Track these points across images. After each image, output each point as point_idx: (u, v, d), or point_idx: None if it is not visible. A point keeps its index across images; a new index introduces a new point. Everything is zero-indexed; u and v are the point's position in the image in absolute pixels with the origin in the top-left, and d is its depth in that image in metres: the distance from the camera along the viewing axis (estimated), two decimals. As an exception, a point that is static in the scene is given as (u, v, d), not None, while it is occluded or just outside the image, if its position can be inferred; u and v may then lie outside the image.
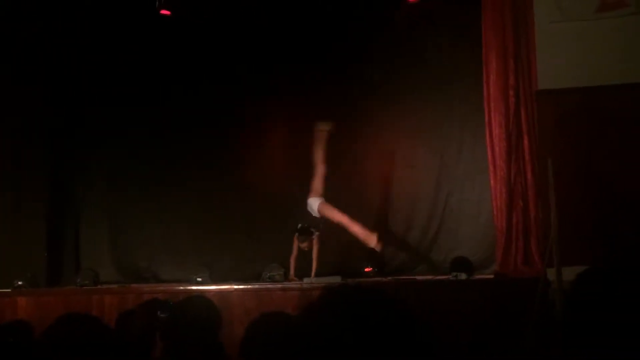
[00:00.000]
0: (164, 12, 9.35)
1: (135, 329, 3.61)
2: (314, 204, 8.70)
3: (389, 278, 8.43)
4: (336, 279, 8.22)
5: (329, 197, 8.91)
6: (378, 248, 8.35)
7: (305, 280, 8.30)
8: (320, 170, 8.82)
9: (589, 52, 7.61)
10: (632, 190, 7.24)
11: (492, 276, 7.96)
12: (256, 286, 8.18)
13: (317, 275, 8.52)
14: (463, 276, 7.73)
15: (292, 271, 8.73)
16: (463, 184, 9.42)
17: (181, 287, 8.34)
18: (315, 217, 8.77)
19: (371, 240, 8.35)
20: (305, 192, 9.49)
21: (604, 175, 7.32)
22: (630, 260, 6.45)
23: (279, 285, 8.14)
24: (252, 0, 9.57)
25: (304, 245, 8.68)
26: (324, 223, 8.69)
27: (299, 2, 9.58)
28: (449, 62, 9.44)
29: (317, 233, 8.71)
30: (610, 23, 7.62)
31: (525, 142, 8.00)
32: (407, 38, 9.60)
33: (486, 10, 8.26)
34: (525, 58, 8.02)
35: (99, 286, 8.81)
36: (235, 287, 8.07)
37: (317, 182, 8.79)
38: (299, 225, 8.76)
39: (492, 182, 8.17)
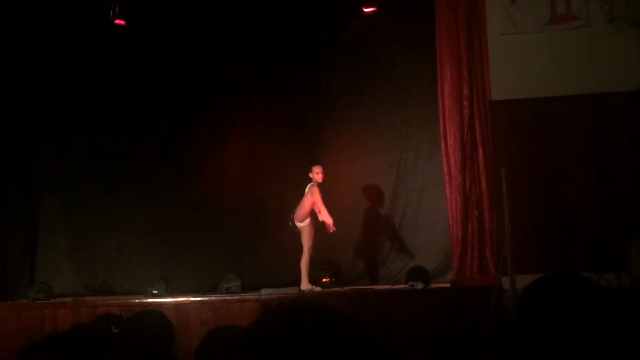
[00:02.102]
0: (118, 21, 9.25)
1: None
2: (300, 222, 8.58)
3: (347, 288, 8.45)
4: (293, 290, 8.21)
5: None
6: (306, 289, 8.38)
7: (263, 291, 8.27)
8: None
9: (540, 63, 7.75)
10: (582, 199, 7.39)
11: (448, 285, 8.03)
12: (213, 298, 8.13)
13: (278, 286, 8.53)
14: (420, 285, 7.78)
15: None
16: (419, 194, 9.48)
17: (136, 300, 8.24)
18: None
19: (304, 284, 8.39)
20: (260, 202, 9.52)
21: (555, 184, 7.47)
22: (582, 267, 6.58)
23: (237, 297, 8.09)
24: (205, 10, 9.52)
25: None
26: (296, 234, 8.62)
27: (255, 12, 9.57)
28: (404, 73, 9.52)
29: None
30: (560, 35, 7.79)
31: (480, 152, 8.10)
32: (363, 50, 9.67)
33: (440, 23, 8.36)
34: (478, 69, 8.13)
35: (52, 300, 8.65)
36: (192, 299, 8.00)
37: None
38: None
39: (447, 192, 8.25)
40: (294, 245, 8.77)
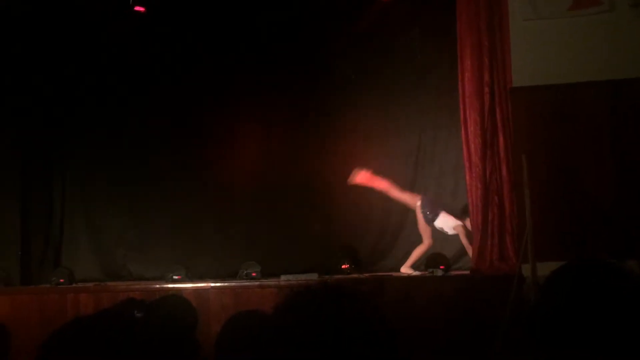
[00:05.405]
0: (138, 8, 9.27)
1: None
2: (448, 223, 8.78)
3: (366, 274, 8.46)
4: (313, 276, 8.23)
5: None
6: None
7: (283, 277, 8.30)
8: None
9: (562, 49, 7.67)
10: (604, 187, 7.33)
11: (467, 272, 8.02)
12: (233, 284, 8.17)
13: (297, 272, 8.56)
14: (439, 272, 7.78)
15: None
16: (438, 181, 9.47)
17: (157, 286, 8.30)
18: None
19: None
20: (279, 188, 9.54)
21: (577, 171, 7.40)
22: (604, 254, 6.54)
23: (257, 283, 8.12)
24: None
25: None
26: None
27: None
28: (423, 59, 9.48)
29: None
30: (583, 21, 7.69)
31: (501, 139, 8.04)
32: (382, 36, 9.63)
33: (461, 8, 8.29)
34: (499, 55, 8.06)
35: (74, 284, 8.74)
36: (212, 284, 8.04)
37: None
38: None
39: (467, 179, 8.21)
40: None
